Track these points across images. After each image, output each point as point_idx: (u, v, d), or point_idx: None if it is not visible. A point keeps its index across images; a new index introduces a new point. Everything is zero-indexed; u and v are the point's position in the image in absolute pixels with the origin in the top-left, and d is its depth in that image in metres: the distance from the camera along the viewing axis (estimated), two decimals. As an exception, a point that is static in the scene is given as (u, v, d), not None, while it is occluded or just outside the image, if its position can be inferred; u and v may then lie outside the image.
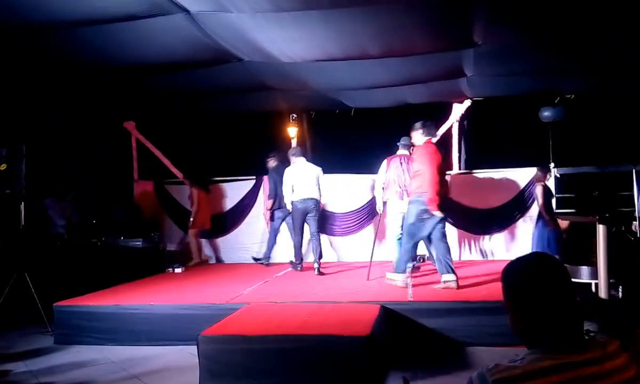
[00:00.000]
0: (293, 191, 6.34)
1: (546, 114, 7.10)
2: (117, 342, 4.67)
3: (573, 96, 7.16)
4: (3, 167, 5.29)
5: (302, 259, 6.63)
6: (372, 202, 7.56)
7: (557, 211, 7.06)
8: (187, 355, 4.18)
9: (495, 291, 4.79)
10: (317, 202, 6.40)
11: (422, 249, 7.20)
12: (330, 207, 7.73)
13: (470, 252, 7.23)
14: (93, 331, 4.76)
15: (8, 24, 4.27)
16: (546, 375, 1.11)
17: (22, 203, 5.45)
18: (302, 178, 6.37)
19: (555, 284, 1.20)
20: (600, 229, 5.19)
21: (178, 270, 7.06)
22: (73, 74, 5.67)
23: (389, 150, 6.35)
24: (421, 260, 7.06)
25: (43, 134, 6.66)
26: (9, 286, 5.23)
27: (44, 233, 6.35)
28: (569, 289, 1.21)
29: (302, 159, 6.53)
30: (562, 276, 1.22)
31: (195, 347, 3.71)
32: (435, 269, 6.34)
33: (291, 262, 6.77)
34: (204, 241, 8.09)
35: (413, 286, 4.73)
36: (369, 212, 7.57)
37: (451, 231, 7.28)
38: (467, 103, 7.43)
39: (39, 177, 6.56)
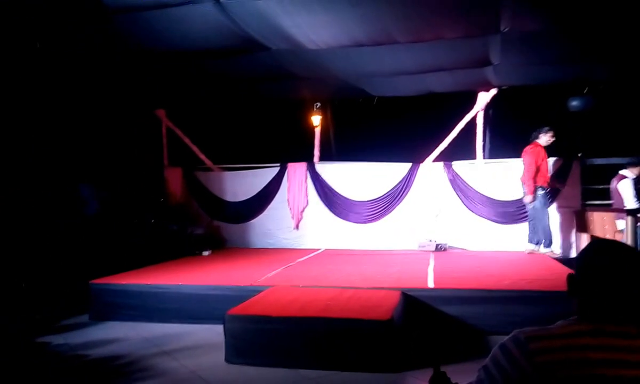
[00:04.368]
0: None
1: (574, 103, 6.95)
2: (148, 319, 4.91)
3: (602, 85, 6.97)
4: None
5: None
6: (392, 191, 7.61)
7: (586, 202, 6.95)
8: (214, 333, 4.36)
9: (517, 281, 4.79)
10: None
11: (445, 238, 7.25)
12: (352, 196, 7.81)
13: (493, 242, 7.19)
14: (126, 308, 5.01)
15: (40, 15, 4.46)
16: (578, 336, 1.18)
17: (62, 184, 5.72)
18: None
19: (624, 267, 1.22)
20: (629, 220, 5.13)
21: (206, 253, 7.29)
22: (106, 62, 5.87)
23: (411, 139, 6.35)
24: (443, 248, 7.10)
25: (77, 120, 6.92)
26: (45, 265, 5.52)
27: (78, 216, 6.63)
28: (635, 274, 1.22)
29: None
30: (634, 262, 1.24)
31: (222, 326, 3.89)
32: (457, 258, 6.43)
33: None
34: (230, 226, 8.31)
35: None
36: (390, 201, 7.62)
37: (474, 220, 7.29)
38: (493, 92, 7.34)
39: (76, 161, 6.85)
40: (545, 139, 6.47)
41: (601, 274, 1.23)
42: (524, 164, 6.46)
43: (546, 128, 6.49)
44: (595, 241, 1.35)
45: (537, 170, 6.34)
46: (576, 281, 1.28)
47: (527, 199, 6.41)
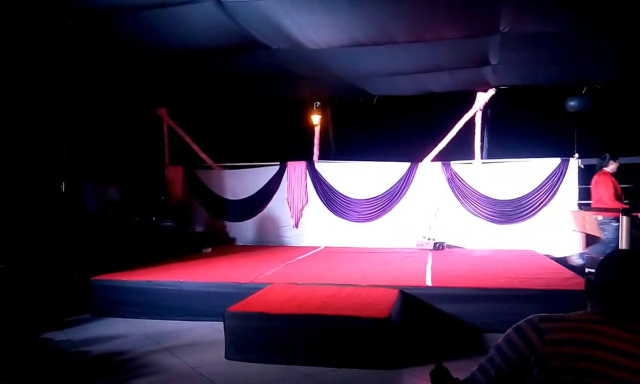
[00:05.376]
0: None
1: (572, 103, 6.99)
2: (149, 316, 4.96)
3: (600, 86, 7.02)
4: None
5: None
6: (391, 190, 7.67)
7: (581, 202, 6.99)
8: (214, 330, 4.41)
9: (513, 280, 4.84)
10: None
11: (443, 237, 7.31)
12: (351, 194, 7.86)
13: (490, 241, 7.24)
14: (127, 305, 5.06)
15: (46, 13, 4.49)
16: (591, 323, 1.27)
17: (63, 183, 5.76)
18: None
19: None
20: (624, 220, 5.18)
21: (206, 251, 7.34)
22: (107, 61, 5.91)
23: (410, 138, 6.35)
24: (441, 247, 7.16)
25: (78, 120, 6.97)
26: (46, 264, 5.57)
27: (79, 215, 6.68)
28: None
29: None
30: None
31: (222, 322, 3.93)
32: (455, 257, 6.47)
33: None
34: (230, 224, 8.37)
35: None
36: (389, 200, 7.67)
37: (472, 220, 7.35)
38: (492, 92, 7.39)
39: (77, 160, 6.89)
40: (613, 166, 6.19)
41: (618, 277, 1.31)
42: (601, 192, 6.06)
43: (611, 155, 6.23)
44: (615, 250, 1.44)
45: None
46: (594, 284, 1.36)
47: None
